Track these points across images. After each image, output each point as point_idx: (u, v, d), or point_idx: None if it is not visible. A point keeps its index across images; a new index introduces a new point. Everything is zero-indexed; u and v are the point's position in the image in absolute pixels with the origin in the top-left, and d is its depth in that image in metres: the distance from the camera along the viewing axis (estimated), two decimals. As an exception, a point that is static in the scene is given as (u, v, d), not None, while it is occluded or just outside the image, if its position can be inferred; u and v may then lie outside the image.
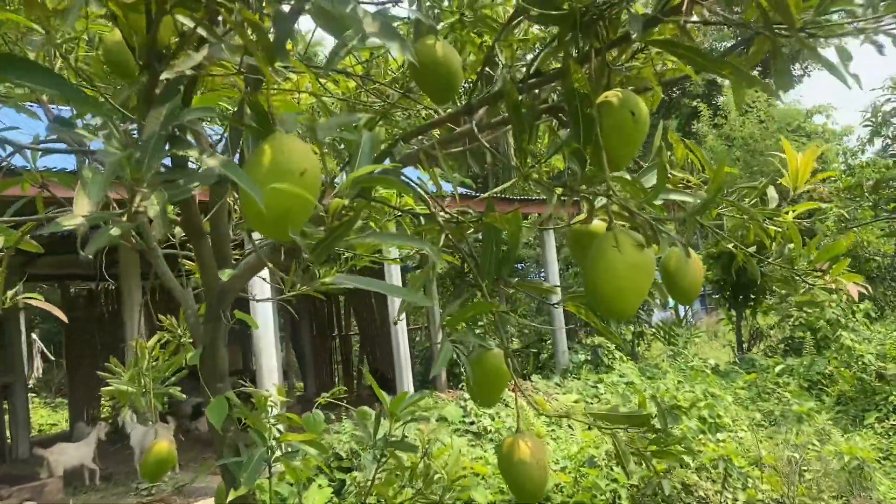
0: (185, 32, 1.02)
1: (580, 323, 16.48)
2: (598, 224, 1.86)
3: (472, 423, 9.89)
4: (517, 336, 17.88)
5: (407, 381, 11.50)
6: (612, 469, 6.72)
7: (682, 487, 6.25)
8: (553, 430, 9.54)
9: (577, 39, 1.37)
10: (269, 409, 2.82)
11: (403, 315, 12.00)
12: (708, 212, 1.90)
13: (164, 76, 1.11)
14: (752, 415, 9.69)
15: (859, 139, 18.13)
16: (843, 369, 10.95)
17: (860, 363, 10.47)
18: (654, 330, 16.85)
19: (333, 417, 10.01)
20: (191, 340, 3.23)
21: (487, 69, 1.80)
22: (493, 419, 9.91)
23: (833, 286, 1.96)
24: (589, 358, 13.82)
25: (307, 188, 1.05)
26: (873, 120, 17.19)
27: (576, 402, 11.42)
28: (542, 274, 18.66)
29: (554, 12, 1.34)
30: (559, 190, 1.34)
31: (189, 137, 1.38)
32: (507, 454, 1.70)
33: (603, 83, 1.32)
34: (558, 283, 14.14)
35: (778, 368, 12.40)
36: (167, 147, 0.97)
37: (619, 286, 1.27)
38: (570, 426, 9.83)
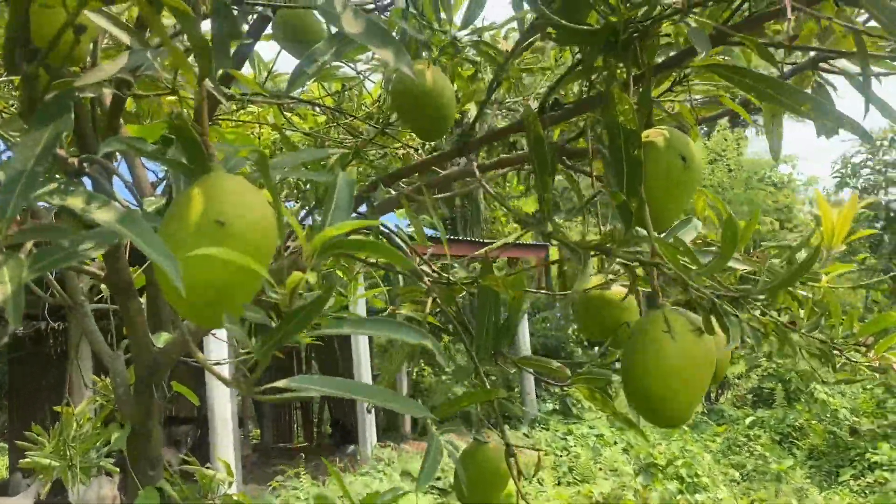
0: (81, 27, 0.69)
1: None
2: (617, 290, 1.56)
3: (438, 478, 9.42)
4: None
5: (370, 432, 10.99)
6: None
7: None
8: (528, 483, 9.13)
9: (609, 63, 1.08)
10: (216, 488, 2.45)
11: (368, 361, 11.57)
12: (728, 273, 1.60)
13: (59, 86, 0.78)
14: (725, 470, 9.40)
15: (824, 189, 18.32)
16: (815, 423, 10.77)
17: (833, 417, 10.31)
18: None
19: (290, 472, 9.47)
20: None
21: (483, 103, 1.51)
22: (459, 474, 9.45)
23: (878, 363, 1.68)
24: (557, 407, 13.47)
25: (254, 253, 0.72)
26: (843, 171, 17.38)
27: (545, 455, 11.03)
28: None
29: (582, 28, 1.04)
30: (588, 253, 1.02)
31: (98, 177, 1.05)
32: None
33: (643, 119, 1.02)
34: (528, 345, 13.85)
35: (749, 420, 12.20)
36: (38, 191, 0.64)
37: (673, 385, 0.96)
38: (539, 482, 9.42)
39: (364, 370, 11.06)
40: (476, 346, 1.47)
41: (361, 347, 11.16)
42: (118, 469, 2.83)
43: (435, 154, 1.38)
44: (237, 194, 0.75)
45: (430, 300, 1.42)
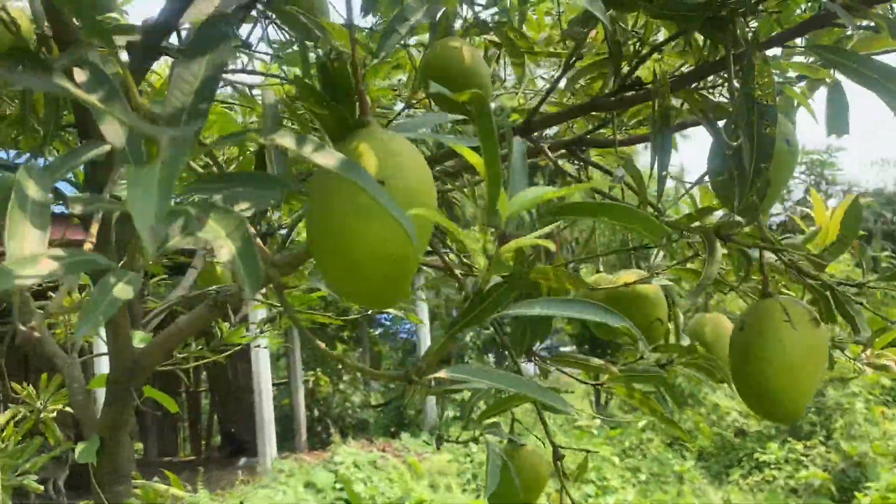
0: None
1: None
2: (646, 286, 1.51)
3: (342, 488, 9.19)
4: (382, 389, 17.29)
5: (269, 444, 10.57)
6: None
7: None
8: (432, 490, 9.06)
9: (711, 40, 1.03)
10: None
11: (268, 372, 11.15)
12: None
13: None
14: (622, 473, 9.68)
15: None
16: (703, 425, 11.29)
17: (722, 420, 10.83)
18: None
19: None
20: (53, 416, 2.56)
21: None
22: (365, 484, 9.26)
23: (879, 361, 1.72)
24: (458, 414, 13.48)
25: (427, 224, 0.62)
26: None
27: (448, 462, 11.00)
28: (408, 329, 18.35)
29: (683, 1, 0.98)
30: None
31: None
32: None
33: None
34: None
35: (641, 424, 12.63)
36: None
37: (795, 376, 0.91)
38: (447, 488, 9.37)
39: (264, 386, 10.65)
40: (511, 341, 1.38)
41: (262, 365, 10.74)
42: (41, 488, 2.53)
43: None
44: (407, 153, 0.63)
45: (463, 292, 1.31)
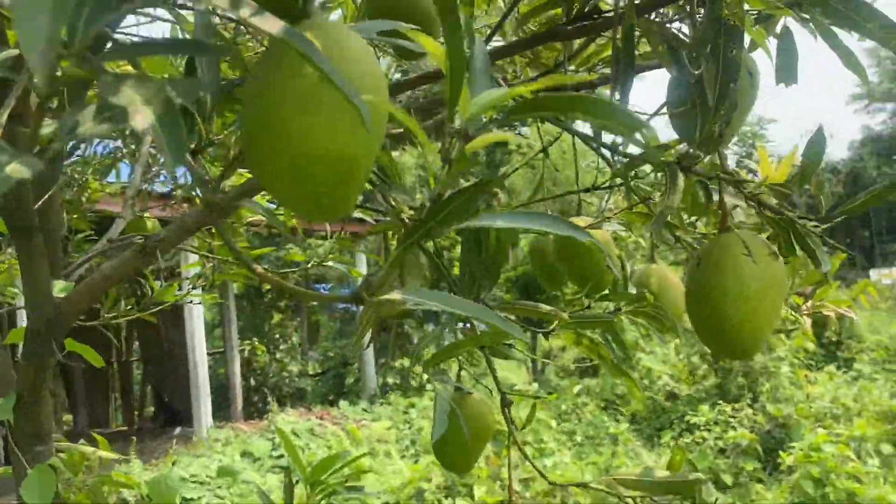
0: None
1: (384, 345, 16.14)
2: (595, 232, 1.48)
3: (280, 456, 9.10)
4: (320, 358, 17.16)
5: (205, 414, 10.38)
6: (442, 503, 6.39)
7: (516, 518, 6.06)
8: (372, 457, 9.06)
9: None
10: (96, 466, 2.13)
11: (202, 340, 10.89)
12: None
13: None
14: (558, 436, 9.87)
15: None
16: (636, 390, 11.56)
17: (654, 384, 11.12)
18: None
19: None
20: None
21: None
22: (303, 451, 9.18)
23: (821, 311, 1.74)
24: (398, 381, 13.49)
25: (382, 117, 0.55)
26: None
27: (388, 429, 11.01)
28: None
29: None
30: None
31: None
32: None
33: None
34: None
35: (576, 389, 12.88)
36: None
37: (754, 312, 0.89)
38: (386, 454, 9.39)
39: (199, 355, 10.41)
40: (459, 290, 1.33)
41: (196, 333, 10.48)
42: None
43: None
44: (356, 45, 0.56)
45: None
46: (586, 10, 1.07)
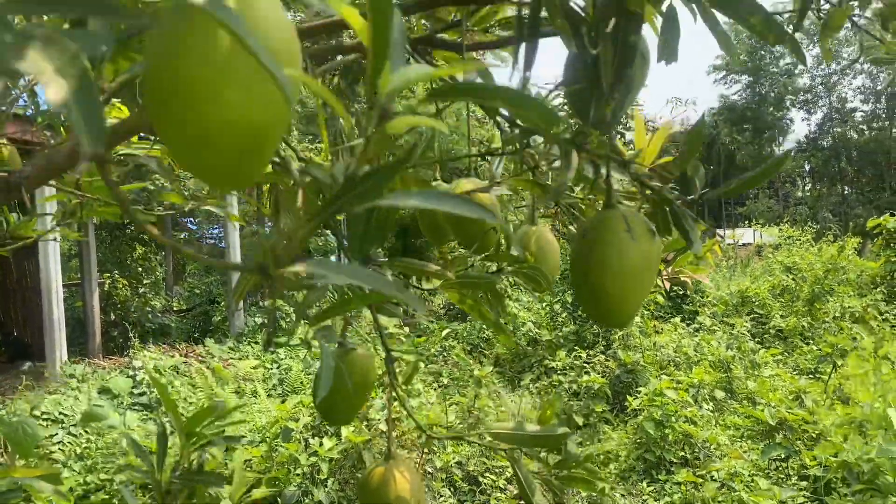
0: None
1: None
2: (482, 195, 1.51)
3: (142, 393, 8.79)
4: (185, 294, 16.57)
5: (59, 348, 9.82)
6: (308, 442, 6.43)
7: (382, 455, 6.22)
8: (237, 396, 8.94)
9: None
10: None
11: (58, 271, 10.21)
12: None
13: None
14: (425, 377, 10.14)
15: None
16: (510, 341, 12.02)
17: (516, 330, 11.58)
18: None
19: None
20: None
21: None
22: (166, 389, 8.90)
23: (679, 277, 1.88)
24: (266, 321, 13.31)
25: (296, 89, 0.55)
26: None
27: (254, 367, 10.88)
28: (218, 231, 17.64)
29: None
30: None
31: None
32: (376, 491, 1.29)
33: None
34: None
35: (444, 333, 13.20)
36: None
37: (631, 286, 0.96)
38: (253, 393, 9.29)
39: (54, 286, 9.77)
40: (350, 248, 1.33)
41: (51, 263, 9.79)
42: None
43: None
44: (271, 8, 0.55)
45: (301, 194, 1.23)
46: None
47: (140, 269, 14.66)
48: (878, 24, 1.24)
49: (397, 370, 1.47)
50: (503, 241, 1.60)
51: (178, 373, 9.84)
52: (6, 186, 1.33)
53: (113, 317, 13.71)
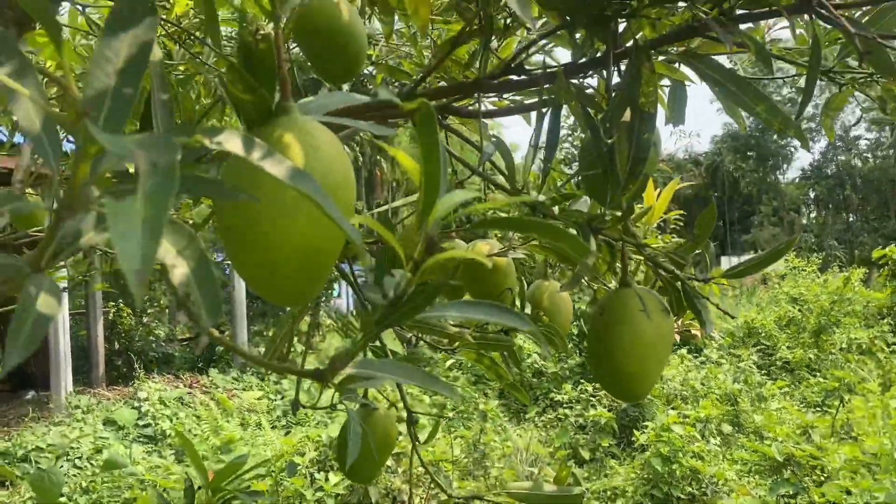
0: None
1: (257, 308, 15.84)
2: (501, 260, 1.57)
3: (147, 425, 8.80)
4: (189, 325, 16.58)
5: (64, 377, 9.85)
6: (314, 477, 6.43)
7: (387, 493, 6.22)
8: (242, 428, 8.94)
9: (591, 36, 1.07)
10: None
11: (65, 302, 10.26)
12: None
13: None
14: (430, 410, 10.12)
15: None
16: (526, 399, 12.01)
17: (521, 361, 11.57)
18: (331, 321, 16.86)
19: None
20: None
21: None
22: (171, 420, 8.93)
23: (689, 331, 1.93)
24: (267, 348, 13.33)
25: (347, 212, 0.61)
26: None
27: (258, 399, 10.88)
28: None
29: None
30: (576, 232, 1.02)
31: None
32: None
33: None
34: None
35: (448, 363, 13.19)
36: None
37: (646, 363, 1.01)
38: (257, 425, 9.29)
39: (60, 315, 9.81)
40: (372, 313, 1.38)
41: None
42: None
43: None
44: (329, 144, 0.61)
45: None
46: (512, 64, 1.14)
47: (145, 296, 14.70)
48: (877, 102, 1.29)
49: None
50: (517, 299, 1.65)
51: (182, 404, 9.84)
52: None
53: (117, 346, 13.72)
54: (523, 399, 1.50)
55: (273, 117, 0.61)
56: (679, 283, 1.01)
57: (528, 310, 1.64)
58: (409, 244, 0.58)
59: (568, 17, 1.08)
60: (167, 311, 15.97)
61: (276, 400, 11.15)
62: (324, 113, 0.72)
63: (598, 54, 1.10)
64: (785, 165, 39.95)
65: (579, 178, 1.09)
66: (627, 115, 1.05)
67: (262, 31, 0.58)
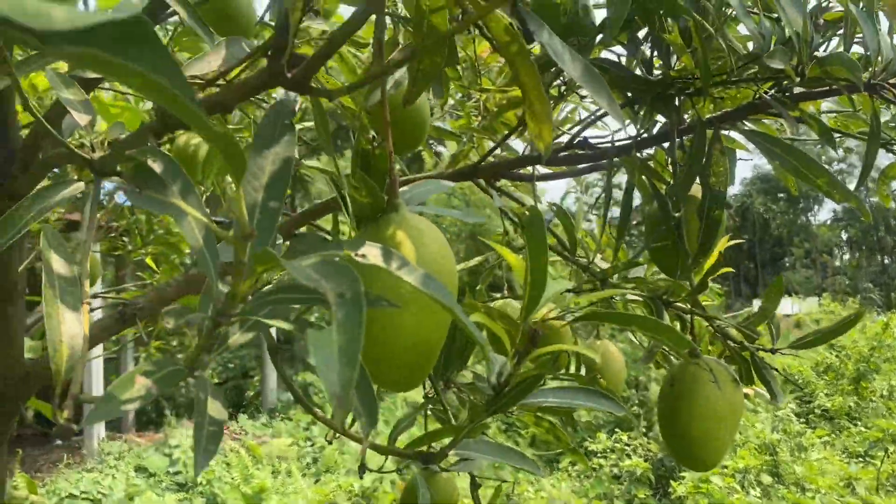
0: None
1: (286, 356, 15.89)
2: (556, 321, 1.59)
3: (178, 472, 8.82)
4: (219, 368, 16.68)
5: (98, 424, 9.93)
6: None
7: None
8: (273, 476, 8.91)
9: (654, 112, 1.11)
10: None
11: (99, 346, 10.43)
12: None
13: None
14: (462, 458, 10.01)
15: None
16: (584, 463, 11.87)
17: (553, 410, 11.43)
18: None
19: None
20: None
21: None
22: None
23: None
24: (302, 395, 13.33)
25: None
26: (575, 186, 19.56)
27: (289, 445, 10.86)
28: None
29: (641, 77, 1.06)
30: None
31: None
32: None
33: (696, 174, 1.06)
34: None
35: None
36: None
37: (717, 433, 1.02)
38: (288, 473, 9.25)
39: (94, 360, 9.94)
40: (433, 372, 1.42)
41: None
42: None
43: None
44: (436, 241, 0.65)
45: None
46: (575, 140, 1.19)
47: (175, 341, 14.84)
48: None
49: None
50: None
51: (223, 460, 9.86)
52: (122, 317, 1.45)
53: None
54: (582, 464, 1.51)
55: (384, 214, 0.65)
56: (747, 353, 1.03)
57: (583, 371, 1.66)
58: (512, 333, 0.61)
59: (630, 94, 1.12)
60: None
61: (305, 447, 11.12)
62: (419, 202, 0.77)
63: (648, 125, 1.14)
64: (816, 207, 39.64)
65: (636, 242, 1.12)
66: (694, 189, 1.08)
67: (378, 140, 0.62)
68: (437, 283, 0.51)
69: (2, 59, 0.79)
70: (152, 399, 0.42)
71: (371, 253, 0.49)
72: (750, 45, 1.15)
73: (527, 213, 0.63)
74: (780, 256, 38.13)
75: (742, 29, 1.15)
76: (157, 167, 0.48)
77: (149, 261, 2.85)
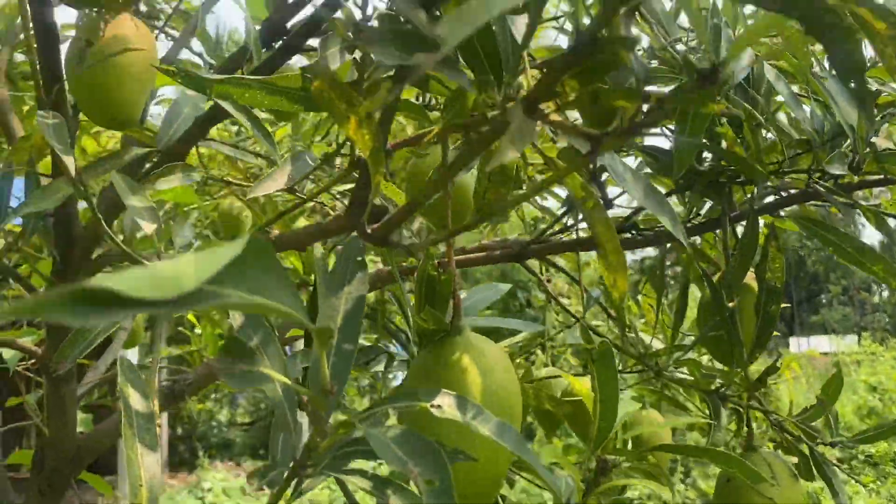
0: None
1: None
2: (584, 383, 1.58)
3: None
4: (250, 410, 16.68)
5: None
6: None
7: None
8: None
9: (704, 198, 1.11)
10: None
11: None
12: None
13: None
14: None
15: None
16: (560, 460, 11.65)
17: (583, 452, 11.25)
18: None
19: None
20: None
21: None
22: (235, 510, 8.93)
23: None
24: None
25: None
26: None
27: (320, 488, 10.81)
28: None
29: (694, 167, 1.07)
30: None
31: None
32: None
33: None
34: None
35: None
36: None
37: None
38: (319, 518, 9.20)
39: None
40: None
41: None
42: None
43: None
44: (500, 364, 0.65)
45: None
46: (626, 224, 1.19)
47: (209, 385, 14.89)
48: None
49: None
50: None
51: (244, 493, 9.84)
52: (171, 393, 1.47)
53: (179, 431, 13.84)
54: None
55: (447, 336, 0.65)
56: (807, 448, 1.01)
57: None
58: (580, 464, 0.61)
59: (681, 181, 1.12)
60: (228, 393, 16.12)
61: (336, 490, 11.05)
62: (478, 310, 0.77)
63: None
64: (852, 244, 38.88)
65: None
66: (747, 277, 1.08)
67: (444, 266, 0.63)
68: (512, 431, 0.51)
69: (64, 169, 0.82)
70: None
71: (446, 403, 0.49)
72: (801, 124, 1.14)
73: (596, 347, 0.63)
74: (817, 293, 37.46)
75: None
76: (238, 320, 0.49)
77: (190, 317, 2.88)
